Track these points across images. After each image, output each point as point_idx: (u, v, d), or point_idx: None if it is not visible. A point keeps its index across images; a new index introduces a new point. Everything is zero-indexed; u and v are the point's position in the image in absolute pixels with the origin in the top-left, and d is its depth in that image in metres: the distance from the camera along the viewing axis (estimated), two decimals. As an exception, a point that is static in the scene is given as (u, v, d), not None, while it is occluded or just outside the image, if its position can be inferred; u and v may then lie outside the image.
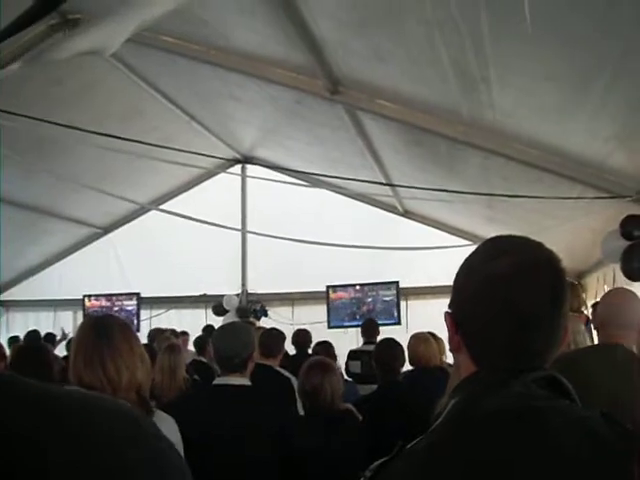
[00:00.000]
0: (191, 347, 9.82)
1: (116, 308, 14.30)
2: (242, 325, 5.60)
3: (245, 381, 4.24)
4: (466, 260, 1.68)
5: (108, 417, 0.81)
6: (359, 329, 9.91)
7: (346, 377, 8.43)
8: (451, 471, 1.39)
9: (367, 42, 6.29)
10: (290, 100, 8.65)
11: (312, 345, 8.69)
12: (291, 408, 5.03)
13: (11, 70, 5.42)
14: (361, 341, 9.45)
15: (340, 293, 13.19)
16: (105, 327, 3.12)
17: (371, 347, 8.87)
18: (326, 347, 8.34)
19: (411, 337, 7.04)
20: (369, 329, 9.38)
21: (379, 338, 9.15)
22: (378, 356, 6.06)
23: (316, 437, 4.54)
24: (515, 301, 1.52)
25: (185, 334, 10.67)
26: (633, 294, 3.86)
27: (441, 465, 1.41)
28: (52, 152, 10.16)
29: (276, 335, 6.97)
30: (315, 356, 6.95)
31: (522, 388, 1.46)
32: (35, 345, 6.64)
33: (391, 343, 6.19)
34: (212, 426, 3.95)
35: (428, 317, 9.92)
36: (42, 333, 11.46)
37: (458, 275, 1.67)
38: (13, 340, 11.70)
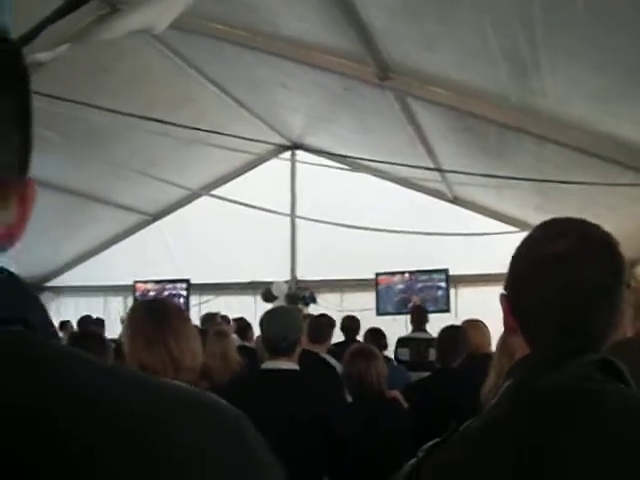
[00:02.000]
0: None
1: (166, 293, 14.39)
2: (290, 309, 5.62)
3: (293, 365, 4.24)
4: (523, 242, 1.67)
5: (197, 420, 0.76)
6: (408, 316, 9.88)
7: (396, 363, 8.43)
8: (506, 451, 1.38)
9: (417, 28, 6.26)
10: (339, 87, 8.64)
11: (362, 332, 8.67)
12: (339, 393, 5.04)
13: (61, 51, 5.46)
14: (410, 328, 9.42)
15: (389, 280, 13.15)
16: (163, 310, 3.15)
17: (420, 334, 8.87)
18: (376, 335, 8.32)
19: (463, 323, 7.00)
20: (418, 317, 9.36)
21: (428, 326, 9.15)
22: (439, 342, 6.06)
23: (363, 423, 4.54)
24: (571, 283, 1.51)
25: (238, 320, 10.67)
26: None
27: (496, 445, 1.40)
28: (101, 138, 10.24)
29: (325, 321, 6.98)
30: (360, 343, 6.96)
31: (578, 370, 1.44)
32: (90, 331, 6.69)
33: (455, 332, 6.18)
34: (262, 410, 3.96)
35: (478, 305, 9.85)
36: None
37: (514, 257, 1.65)
38: (64, 324, 11.87)
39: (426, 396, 5.52)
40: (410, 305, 12.14)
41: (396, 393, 5.21)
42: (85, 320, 11.08)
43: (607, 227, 1.62)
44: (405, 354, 8.71)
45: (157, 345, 2.98)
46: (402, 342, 9.04)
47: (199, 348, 3.17)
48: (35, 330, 0.77)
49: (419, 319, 9.26)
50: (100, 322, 11.40)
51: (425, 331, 9.06)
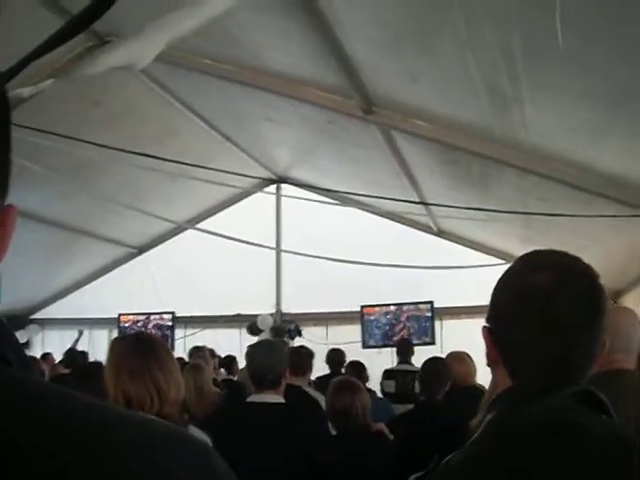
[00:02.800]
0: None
1: (151, 326, 14.36)
2: (275, 342, 5.63)
3: (279, 399, 4.24)
4: (504, 274, 1.68)
5: (173, 453, 0.78)
6: (394, 349, 9.88)
7: (380, 395, 8.42)
8: None
9: (400, 62, 6.31)
10: (323, 120, 8.67)
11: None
12: (324, 427, 5.02)
13: (45, 86, 5.48)
14: (396, 361, 9.42)
15: (374, 312, 13.15)
16: (148, 342, 3.16)
17: (405, 367, 8.87)
18: (357, 368, 8.32)
19: (447, 355, 7.02)
20: (404, 349, 9.37)
21: (413, 358, 9.15)
22: (422, 374, 6.06)
23: (349, 456, 4.53)
24: (553, 315, 1.52)
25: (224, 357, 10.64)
26: (633, 313, 3.68)
27: (479, 477, 1.41)
28: (88, 172, 10.25)
29: (305, 353, 6.96)
30: (343, 376, 6.95)
31: (560, 402, 1.45)
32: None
33: (437, 363, 6.18)
34: (248, 444, 3.95)
35: (463, 337, 9.85)
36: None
37: (496, 289, 1.67)
38: (45, 356, 11.85)
39: (411, 428, 5.51)
40: (395, 338, 12.17)
41: (381, 426, 5.20)
42: (71, 352, 11.04)
43: (592, 258, 1.64)
44: (391, 386, 8.71)
45: (143, 377, 2.98)
46: (388, 374, 9.04)
47: (182, 381, 3.18)
48: (10, 365, 0.78)
49: (405, 351, 9.27)
50: (84, 355, 11.36)
51: (411, 363, 9.07)
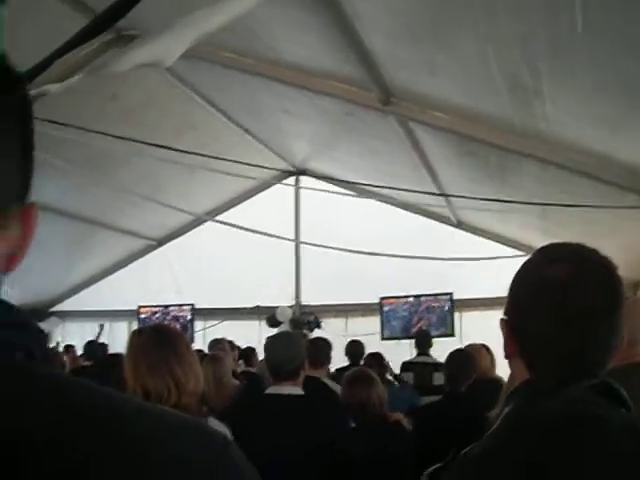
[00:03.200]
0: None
1: (170, 318, 14.40)
2: (293, 334, 5.62)
3: (298, 390, 4.24)
4: (522, 267, 1.68)
5: (192, 444, 0.79)
6: (412, 341, 9.86)
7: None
8: (506, 477, 1.39)
9: (419, 55, 6.30)
10: (342, 112, 8.67)
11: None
12: (343, 419, 5.02)
13: (71, 82, 5.50)
14: (414, 353, 9.40)
15: (394, 304, 13.14)
16: (167, 335, 3.17)
17: (424, 359, 8.85)
18: (377, 358, 8.32)
19: (466, 347, 7.02)
20: (423, 341, 9.34)
21: (432, 350, 9.12)
22: (448, 366, 6.05)
23: (368, 448, 4.53)
24: (570, 307, 1.52)
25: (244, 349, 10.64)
26: None
27: (496, 470, 1.41)
28: (107, 165, 10.29)
29: (322, 344, 6.94)
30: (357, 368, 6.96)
31: (578, 395, 1.45)
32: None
33: (463, 355, 6.18)
34: (265, 435, 3.95)
35: (482, 329, 9.81)
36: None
37: (514, 282, 1.67)
38: (67, 348, 11.90)
39: (434, 420, 5.51)
40: (414, 329, 12.15)
41: (399, 416, 5.19)
42: (91, 346, 11.08)
43: (611, 249, 1.63)
44: (409, 378, 8.69)
45: (161, 370, 3.00)
46: (406, 366, 9.01)
47: (201, 373, 3.19)
48: (36, 359, 0.79)
49: (423, 343, 9.24)
50: (104, 347, 11.42)
51: (429, 355, 9.04)
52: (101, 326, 13.73)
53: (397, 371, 9.04)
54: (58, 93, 5.21)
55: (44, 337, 0.84)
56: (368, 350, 8.71)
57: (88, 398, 0.77)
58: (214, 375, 6.23)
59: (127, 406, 0.80)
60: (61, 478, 0.69)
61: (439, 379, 7.41)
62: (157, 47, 4.76)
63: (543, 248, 1.69)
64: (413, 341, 9.76)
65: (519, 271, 1.68)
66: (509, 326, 1.64)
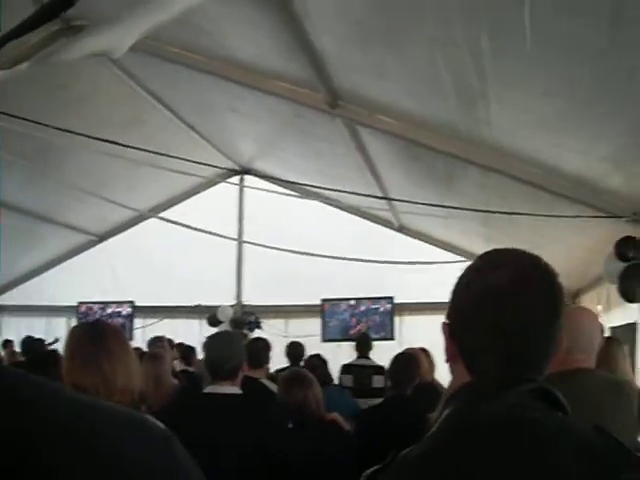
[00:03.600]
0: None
1: (110, 315, 14.28)
2: (233, 333, 5.61)
3: (236, 390, 4.23)
4: (464, 272, 1.69)
5: (130, 437, 0.79)
6: (353, 343, 9.89)
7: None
8: (443, 478, 1.39)
9: (368, 58, 6.31)
10: (290, 113, 8.67)
11: (305, 357, 8.65)
12: (282, 420, 5.02)
13: (19, 70, 5.43)
14: (354, 355, 9.42)
15: (334, 307, 13.17)
16: (100, 331, 3.15)
17: (364, 361, 8.88)
18: (321, 360, 8.32)
19: (405, 350, 7.06)
20: (363, 344, 9.37)
21: (372, 353, 9.16)
22: (393, 369, 6.08)
23: (304, 448, 4.53)
24: (510, 312, 1.54)
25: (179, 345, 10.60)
26: (593, 314, 3.75)
27: (433, 472, 1.42)
28: (52, 157, 10.18)
29: (262, 345, 6.94)
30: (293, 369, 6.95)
31: (516, 398, 1.47)
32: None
33: (407, 358, 6.21)
34: (202, 435, 3.92)
35: (422, 333, 9.91)
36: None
37: (456, 286, 1.68)
38: (6, 343, 11.74)
39: (378, 422, 5.53)
40: (354, 332, 12.20)
41: (335, 415, 5.20)
42: (27, 342, 10.94)
43: (552, 258, 1.65)
44: (348, 381, 8.71)
45: (91, 366, 2.98)
46: (346, 369, 9.03)
47: (135, 370, 3.16)
48: None
49: (364, 346, 9.27)
50: (41, 343, 11.28)
51: (369, 358, 9.08)
52: (56, 339, 13.51)
53: (336, 373, 9.05)
54: (3, 82, 5.14)
55: None
56: (309, 352, 8.72)
57: (37, 393, 0.76)
58: (153, 373, 6.19)
59: (73, 399, 0.79)
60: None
61: (378, 382, 7.47)
62: (107, 37, 4.73)
63: (485, 254, 1.71)
64: (353, 344, 9.78)
65: (461, 276, 1.69)
66: (450, 330, 1.65)
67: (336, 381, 8.87)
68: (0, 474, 0.68)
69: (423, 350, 7.27)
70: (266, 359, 6.90)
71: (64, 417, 0.75)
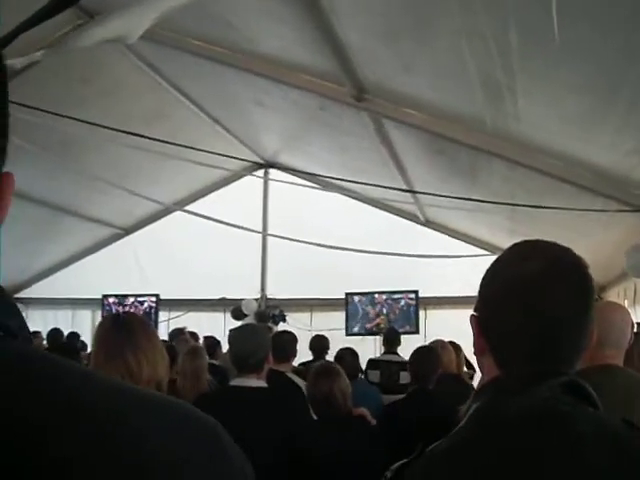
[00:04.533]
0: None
1: (135, 309, 14.32)
2: (258, 326, 5.61)
3: (261, 383, 4.23)
4: (493, 263, 1.68)
5: (164, 427, 0.77)
6: (376, 337, 9.85)
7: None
8: (471, 474, 1.38)
9: (394, 50, 6.30)
10: (314, 106, 8.66)
11: (336, 351, 8.61)
12: (306, 413, 5.01)
13: (35, 58, 5.46)
14: (379, 349, 9.39)
15: (359, 300, 13.15)
16: (126, 322, 3.16)
17: (391, 357, 8.81)
18: (353, 355, 8.29)
19: (431, 343, 7.07)
20: (391, 339, 9.28)
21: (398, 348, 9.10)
22: (413, 363, 6.06)
23: (330, 442, 4.53)
24: (541, 304, 1.52)
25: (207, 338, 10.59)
26: (625, 309, 3.71)
27: (462, 467, 1.40)
28: (76, 150, 10.22)
29: (288, 338, 6.92)
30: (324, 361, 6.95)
31: (547, 392, 1.45)
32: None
33: (428, 352, 6.20)
34: (229, 428, 3.91)
35: (447, 327, 9.88)
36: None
37: (484, 278, 1.66)
38: (34, 334, 11.78)
39: (402, 416, 5.52)
40: (370, 325, 12.20)
41: (363, 410, 5.19)
42: (54, 334, 11.01)
43: (578, 252, 1.63)
44: (376, 376, 8.63)
45: (115, 357, 3.00)
46: (373, 364, 8.91)
47: (160, 363, 3.16)
48: (16, 337, 0.77)
49: (392, 341, 9.18)
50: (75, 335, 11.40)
51: (396, 354, 8.99)
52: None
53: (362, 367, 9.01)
54: (26, 72, 5.17)
55: (22, 316, 0.83)
56: (333, 345, 8.69)
57: (69, 379, 0.75)
58: (192, 369, 6.19)
59: (109, 386, 0.79)
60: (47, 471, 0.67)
61: (405, 378, 7.41)
62: (120, 23, 4.74)
63: (515, 245, 1.69)
64: (377, 338, 9.74)
65: (490, 268, 1.67)
66: (479, 323, 1.63)
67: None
68: (6, 466, 0.67)
69: (452, 344, 7.23)
70: (293, 352, 6.89)
71: (83, 403, 0.73)
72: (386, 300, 12.96)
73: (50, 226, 13.05)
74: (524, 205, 8.00)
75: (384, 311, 12.93)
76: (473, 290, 1.71)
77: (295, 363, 7.75)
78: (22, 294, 15.25)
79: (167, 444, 0.74)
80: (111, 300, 14.51)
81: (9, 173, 0.84)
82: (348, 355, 8.05)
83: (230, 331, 4.76)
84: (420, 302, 12.73)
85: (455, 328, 6.83)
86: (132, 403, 0.77)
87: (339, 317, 13.03)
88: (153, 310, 14.37)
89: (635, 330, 3.55)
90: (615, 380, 3.17)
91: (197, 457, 0.76)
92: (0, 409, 0.69)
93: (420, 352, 6.19)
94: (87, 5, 7.33)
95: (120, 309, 14.10)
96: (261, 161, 13.66)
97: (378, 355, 9.42)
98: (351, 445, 4.67)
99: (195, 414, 0.82)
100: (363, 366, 8.92)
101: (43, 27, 3.84)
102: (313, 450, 4.12)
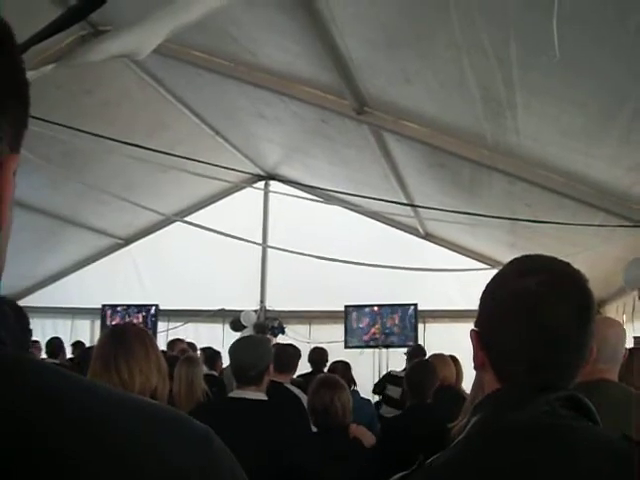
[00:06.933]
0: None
1: (133, 319, 14.31)
2: (260, 338, 5.60)
3: (261, 395, 4.23)
4: (493, 278, 1.68)
5: (156, 433, 0.78)
6: (375, 350, 9.81)
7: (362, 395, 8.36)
8: None
9: (395, 63, 6.30)
10: (316, 119, 8.67)
11: (328, 364, 8.62)
12: (304, 424, 5.01)
13: (46, 70, 5.47)
14: (377, 362, 9.35)
15: (358, 313, 13.14)
16: (122, 333, 3.21)
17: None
18: (345, 367, 8.29)
19: (430, 356, 7.07)
20: (415, 356, 9.01)
21: (395, 361, 9.06)
22: (411, 376, 6.04)
23: (326, 454, 4.52)
24: (541, 318, 1.53)
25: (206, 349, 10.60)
26: (619, 324, 3.73)
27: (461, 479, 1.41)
28: (77, 161, 10.24)
29: (292, 352, 6.95)
30: (327, 373, 6.95)
31: (546, 407, 1.45)
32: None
33: (426, 365, 6.19)
34: (226, 440, 3.91)
35: (446, 340, 9.89)
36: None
37: (485, 292, 1.67)
38: (34, 343, 11.78)
39: (402, 432, 5.50)
40: (367, 337, 12.21)
41: (359, 431, 5.17)
42: (53, 343, 11.01)
43: (577, 266, 1.64)
44: (396, 392, 8.46)
45: (109, 367, 3.04)
46: (394, 380, 8.70)
47: (155, 372, 3.18)
48: (5, 345, 0.77)
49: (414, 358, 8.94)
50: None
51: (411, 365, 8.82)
52: None
53: (359, 380, 8.97)
54: (32, 82, 5.17)
55: (16, 326, 0.83)
56: (331, 358, 8.70)
57: (65, 387, 0.76)
58: (187, 377, 6.22)
59: (108, 395, 0.79)
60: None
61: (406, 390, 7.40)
62: (131, 38, 4.75)
63: (515, 260, 1.69)
64: (376, 351, 9.69)
65: (491, 282, 1.68)
66: (479, 337, 1.64)
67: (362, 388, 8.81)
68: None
69: (452, 357, 7.22)
70: (294, 366, 6.92)
71: (75, 408, 0.74)
72: (385, 313, 12.95)
73: (50, 235, 13.07)
74: (525, 220, 8.01)
75: (381, 322, 12.91)
76: (473, 304, 1.72)
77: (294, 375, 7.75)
78: (22, 302, 15.22)
79: (157, 448, 0.75)
80: (110, 310, 14.50)
81: (11, 156, 0.85)
82: (340, 367, 8.07)
83: (233, 342, 4.76)
84: (419, 315, 12.72)
85: (454, 341, 6.84)
86: (120, 407, 0.77)
87: (338, 329, 13.02)
88: (152, 320, 14.37)
89: (634, 345, 3.58)
90: (609, 395, 3.19)
91: (189, 462, 0.77)
92: None
93: (416, 366, 6.19)
94: (90, 17, 7.35)
95: (119, 319, 14.11)
96: (262, 173, 13.67)
97: (398, 371, 9.25)
98: (347, 464, 4.66)
99: (186, 420, 0.83)
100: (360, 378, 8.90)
101: (51, 40, 3.86)
102: (305, 463, 4.11)
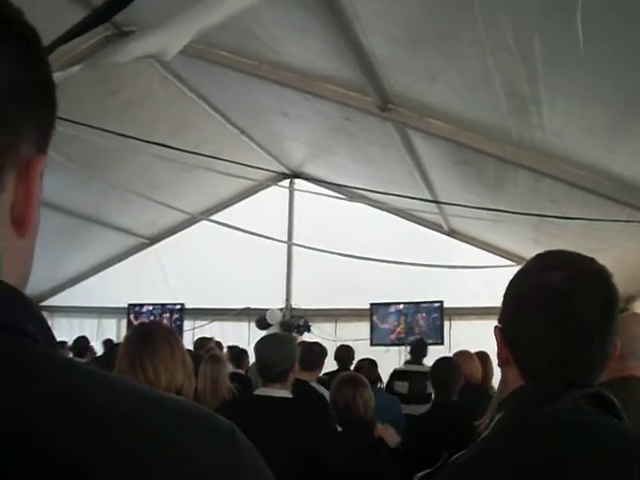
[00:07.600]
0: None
1: (160, 318, 14.36)
2: (285, 335, 5.62)
3: (286, 393, 4.24)
4: (517, 274, 1.68)
5: (193, 437, 0.77)
6: (401, 348, 9.80)
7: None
8: None
9: (419, 61, 6.29)
10: (340, 116, 8.66)
11: (355, 361, 8.63)
12: (329, 423, 5.01)
13: (71, 71, 5.49)
14: (403, 360, 9.34)
15: (384, 311, 13.12)
16: (147, 332, 3.22)
17: (417, 367, 8.77)
18: (371, 364, 8.30)
19: (454, 354, 7.04)
20: (419, 349, 9.21)
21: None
22: (435, 374, 6.04)
23: (349, 452, 4.52)
24: (565, 315, 1.52)
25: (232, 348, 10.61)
26: None
27: (486, 476, 1.40)
28: (102, 160, 10.28)
29: (318, 350, 6.95)
30: (349, 371, 6.95)
31: (571, 403, 1.44)
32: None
33: (449, 363, 6.18)
34: (250, 436, 3.91)
35: (471, 338, 9.83)
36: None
37: (509, 289, 1.66)
38: (61, 344, 11.84)
39: (428, 428, 5.50)
40: (394, 336, 12.17)
41: (384, 431, 5.16)
42: (79, 342, 11.08)
43: (604, 263, 1.63)
44: (403, 387, 8.56)
45: (135, 365, 3.06)
46: (400, 375, 8.85)
47: (181, 370, 3.20)
48: (34, 339, 0.77)
49: (419, 352, 9.11)
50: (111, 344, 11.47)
51: (422, 364, 8.93)
52: None
53: (385, 378, 8.98)
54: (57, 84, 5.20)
55: (43, 319, 0.83)
56: (357, 356, 8.69)
57: (87, 382, 0.76)
58: (211, 375, 6.25)
59: (130, 391, 0.79)
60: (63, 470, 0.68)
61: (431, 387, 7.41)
62: (158, 39, 4.77)
63: (539, 255, 1.69)
64: (402, 348, 9.69)
65: (514, 278, 1.67)
66: (503, 334, 1.63)
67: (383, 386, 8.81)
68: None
69: (481, 354, 7.19)
70: (320, 364, 6.92)
71: (93, 405, 0.73)
72: (410, 311, 12.92)
73: (76, 235, 13.13)
74: (550, 216, 7.97)
75: (406, 320, 12.89)
76: (498, 300, 1.71)
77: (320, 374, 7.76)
78: (48, 302, 15.34)
79: (180, 444, 0.75)
80: (136, 309, 14.57)
81: (37, 158, 0.87)
82: (366, 364, 8.07)
83: (258, 340, 4.76)
84: (445, 313, 12.69)
85: (480, 339, 6.81)
86: (143, 404, 0.77)
87: (364, 327, 13.01)
88: (178, 319, 14.42)
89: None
90: (637, 392, 3.14)
91: (211, 457, 0.77)
92: (12, 412, 0.69)
93: (440, 363, 6.18)
94: (114, 18, 7.38)
95: (145, 318, 14.16)
96: (287, 171, 13.67)
97: (402, 366, 9.35)
98: (370, 462, 4.65)
99: (211, 416, 0.83)
100: (384, 377, 8.91)
101: (78, 40, 3.88)
102: (329, 460, 4.11)
